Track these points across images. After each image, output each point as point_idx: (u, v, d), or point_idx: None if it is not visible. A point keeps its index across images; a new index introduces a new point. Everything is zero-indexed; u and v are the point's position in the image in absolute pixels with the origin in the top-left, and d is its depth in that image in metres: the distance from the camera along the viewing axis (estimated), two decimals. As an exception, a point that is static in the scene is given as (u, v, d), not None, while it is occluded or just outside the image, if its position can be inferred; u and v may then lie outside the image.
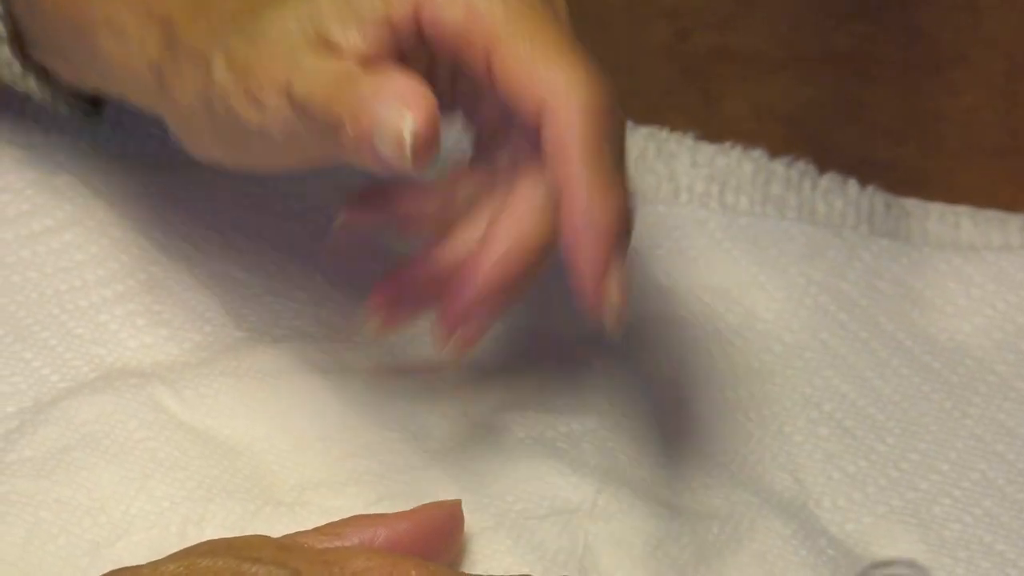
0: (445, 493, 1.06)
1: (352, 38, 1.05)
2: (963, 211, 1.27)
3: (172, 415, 1.10)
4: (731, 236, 1.21)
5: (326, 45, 1.06)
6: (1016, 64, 1.30)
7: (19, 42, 1.18)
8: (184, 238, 1.18)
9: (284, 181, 1.23)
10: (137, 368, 1.12)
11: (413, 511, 1.04)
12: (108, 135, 1.27)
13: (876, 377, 1.17)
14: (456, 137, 1.18)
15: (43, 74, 1.16)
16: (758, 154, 1.26)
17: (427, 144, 0.99)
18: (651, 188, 1.25)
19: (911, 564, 1.01)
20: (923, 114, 1.30)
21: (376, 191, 1.13)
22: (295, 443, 1.10)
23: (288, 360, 1.14)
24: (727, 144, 1.27)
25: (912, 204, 1.27)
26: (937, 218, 1.26)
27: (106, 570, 0.97)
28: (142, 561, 0.99)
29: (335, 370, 1.14)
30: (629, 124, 1.21)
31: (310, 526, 1.03)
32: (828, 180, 1.26)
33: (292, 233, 1.21)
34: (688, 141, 1.26)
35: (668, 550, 1.06)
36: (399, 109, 0.99)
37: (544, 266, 1.07)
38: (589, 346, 1.18)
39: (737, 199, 1.24)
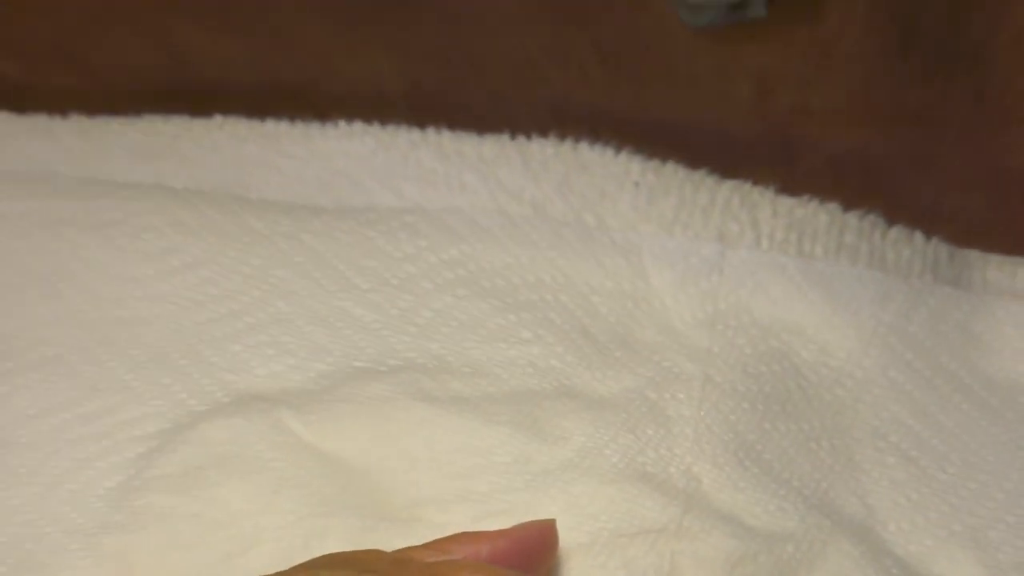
0: (543, 512, 1.11)
1: None
2: (1020, 261, 1.29)
3: (297, 437, 1.15)
4: (808, 280, 1.24)
5: None
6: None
7: None
8: (307, 276, 1.22)
9: (398, 225, 1.27)
10: (266, 394, 1.16)
11: (513, 528, 1.09)
12: (244, 186, 1.31)
13: (939, 412, 1.20)
14: None
15: None
16: (833, 206, 1.28)
17: None
18: (735, 235, 1.28)
19: None
20: (987, 170, 1.33)
21: None
22: (408, 465, 1.15)
23: (402, 389, 1.17)
24: (804, 197, 1.28)
25: (973, 255, 1.29)
26: (996, 267, 1.28)
27: None
28: (270, 571, 1.01)
29: (445, 398, 1.17)
30: (716, 177, 1.29)
31: (420, 541, 1.07)
32: (897, 231, 1.27)
33: (406, 272, 1.24)
34: (769, 193, 1.28)
35: (746, 569, 1.09)
36: None
37: None
38: (675, 381, 1.22)
39: (813, 247, 1.25)
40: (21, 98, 1.32)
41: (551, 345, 1.22)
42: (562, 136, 1.32)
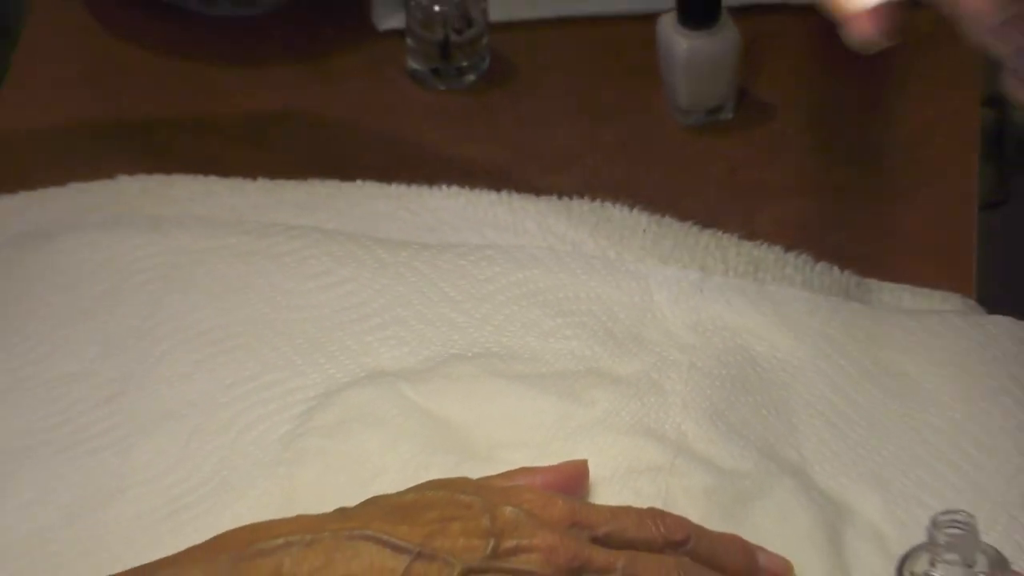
0: (579, 455, 1.11)
1: None
2: (905, 288, 1.31)
3: (411, 401, 1.15)
4: (761, 298, 1.25)
5: None
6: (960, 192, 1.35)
7: None
8: (418, 291, 1.22)
9: (481, 256, 1.27)
10: (389, 371, 1.17)
11: (559, 465, 1.10)
12: (375, 229, 1.30)
13: (851, 390, 1.22)
14: None
15: None
16: (778, 248, 1.30)
17: None
18: (711, 267, 1.30)
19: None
20: (882, 228, 1.35)
21: None
22: (487, 421, 1.15)
23: (483, 369, 1.19)
24: (759, 242, 1.30)
25: (873, 283, 1.31)
26: (888, 292, 1.30)
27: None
28: (391, 491, 1.04)
29: (512, 376, 1.18)
30: (699, 227, 1.31)
31: (495, 473, 1.08)
32: (821, 266, 1.29)
33: (486, 289, 1.25)
34: (735, 239, 1.29)
35: (719, 497, 1.09)
36: None
37: None
38: (670, 367, 1.23)
39: (764, 276, 1.26)
40: (225, 167, 1.32)
41: (585, 340, 1.23)
42: (593, 198, 1.32)
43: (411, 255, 1.26)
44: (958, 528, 0.91)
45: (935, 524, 0.92)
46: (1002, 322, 1.28)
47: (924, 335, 1.26)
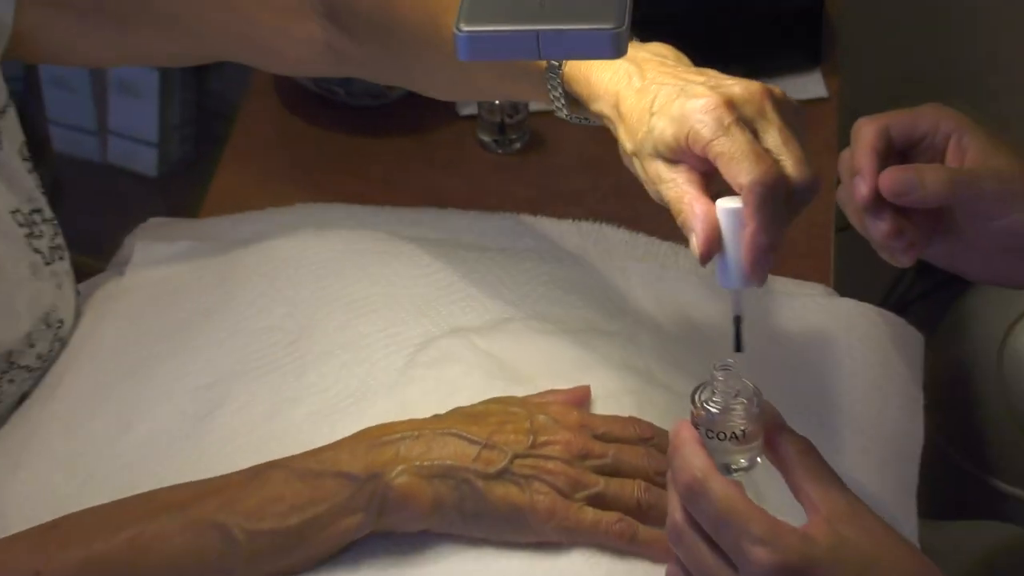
0: (584, 381, 1.08)
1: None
2: (788, 280, 1.27)
3: (479, 347, 1.12)
4: (702, 285, 1.22)
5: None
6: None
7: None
8: (483, 278, 1.20)
9: (524, 256, 1.25)
10: (465, 328, 1.14)
11: (572, 388, 1.08)
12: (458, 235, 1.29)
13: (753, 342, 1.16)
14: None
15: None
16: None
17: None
18: (671, 264, 1.28)
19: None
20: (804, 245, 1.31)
21: None
22: (529, 360, 1.12)
23: (525, 326, 1.16)
24: None
25: (783, 279, 1.26)
26: (781, 284, 1.25)
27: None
28: (465, 404, 1.05)
29: (544, 331, 1.15)
30: (658, 240, 1.30)
31: (532, 393, 1.07)
32: None
33: (526, 276, 1.22)
34: (682, 247, 1.08)
35: (673, 410, 1.05)
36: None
37: None
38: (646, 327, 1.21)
39: (703, 270, 1.13)
40: (364, 200, 1.34)
41: (588, 309, 1.20)
42: (593, 221, 1.31)
43: (479, 254, 1.24)
44: (727, 369, 0.89)
45: (713, 367, 0.89)
46: (850, 302, 1.25)
47: (801, 309, 1.23)
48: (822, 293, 1.26)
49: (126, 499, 0.98)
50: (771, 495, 0.96)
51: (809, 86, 1.39)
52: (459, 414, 1.03)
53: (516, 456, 0.99)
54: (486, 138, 1.40)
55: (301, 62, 1.21)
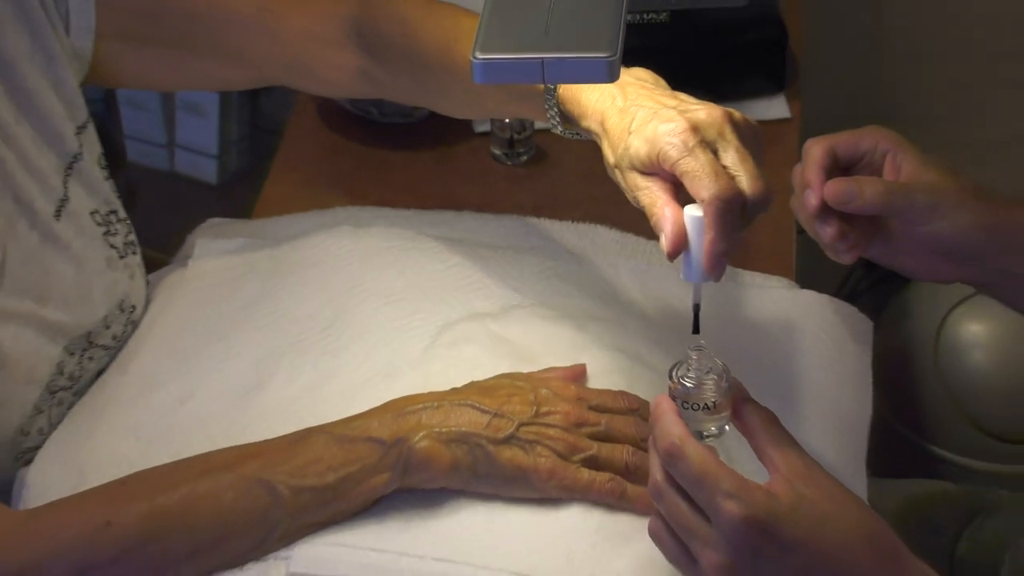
0: (581, 360, 1.08)
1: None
2: (757, 274, 1.25)
3: (492, 331, 1.11)
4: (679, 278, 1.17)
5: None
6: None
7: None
8: (497, 270, 1.19)
9: (530, 252, 1.23)
10: (480, 313, 1.13)
11: (571, 366, 1.07)
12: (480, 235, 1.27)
13: (722, 329, 1.15)
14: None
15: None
16: None
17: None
18: (655, 260, 1.25)
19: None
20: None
21: None
22: (534, 340, 1.11)
23: (532, 312, 1.14)
24: None
25: (737, 270, 1.24)
26: (750, 278, 1.23)
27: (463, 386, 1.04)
28: (482, 377, 1.04)
29: (547, 318, 1.14)
30: (644, 239, 1.27)
31: (536, 370, 1.06)
32: None
33: (531, 270, 1.21)
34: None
35: (658, 385, 1.04)
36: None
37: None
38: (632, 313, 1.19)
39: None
40: (393, 204, 1.32)
41: (584, 299, 1.18)
42: (589, 223, 1.28)
43: (491, 251, 1.22)
44: (700, 349, 0.90)
45: (688, 348, 0.90)
46: (810, 294, 1.22)
47: (768, 300, 1.22)
48: (786, 286, 1.23)
49: (184, 460, 0.98)
50: (739, 458, 0.96)
51: (774, 108, 1.38)
52: (473, 387, 1.03)
53: (522, 424, 0.99)
54: (497, 152, 1.38)
55: (338, 85, 1.20)
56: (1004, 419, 1.65)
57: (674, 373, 0.90)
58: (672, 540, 0.86)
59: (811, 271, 1.25)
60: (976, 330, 1.67)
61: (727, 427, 0.90)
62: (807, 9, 1.51)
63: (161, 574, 0.94)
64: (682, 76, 1.30)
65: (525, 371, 1.06)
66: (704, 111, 0.89)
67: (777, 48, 1.35)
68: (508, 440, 0.98)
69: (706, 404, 0.88)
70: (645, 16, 1.34)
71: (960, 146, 1.70)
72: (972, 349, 1.66)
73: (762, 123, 1.30)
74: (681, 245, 0.88)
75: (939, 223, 0.99)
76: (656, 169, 0.89)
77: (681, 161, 0.86)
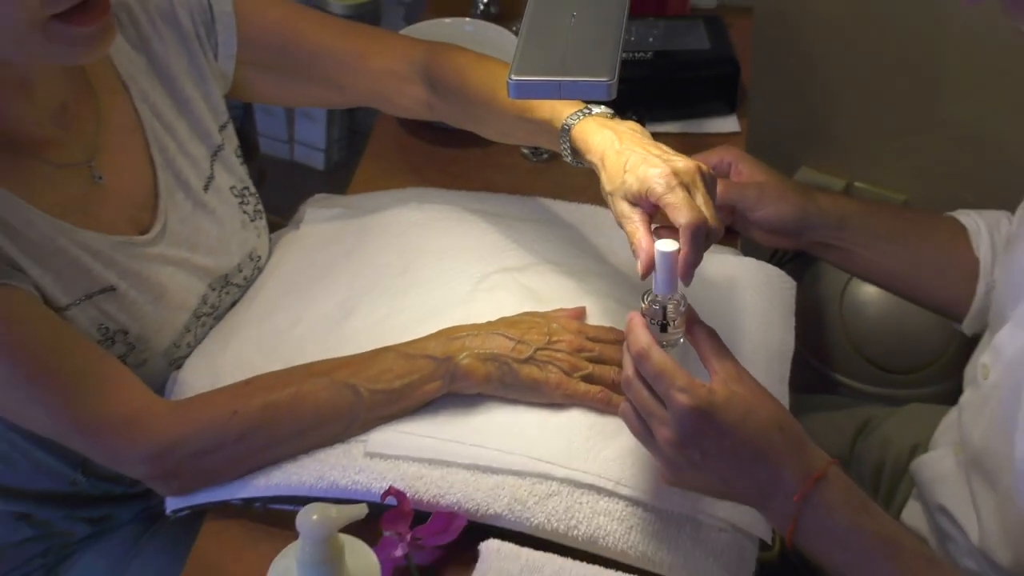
0: (582, 302, 1.05)
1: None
2: (714, 246, 1.16)
3: (519, 281, 1.09)
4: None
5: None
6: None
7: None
8: (524, 235, 1.15)
9: (552, 222, 1.19)
10: (511, 268, 1.10)
11: (575, 308, 1.04)
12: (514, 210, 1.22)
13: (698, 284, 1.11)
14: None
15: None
16: None
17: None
18: None
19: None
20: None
21: None
22: (550, 290, 1.07)
23: (549, 270, 1.11)
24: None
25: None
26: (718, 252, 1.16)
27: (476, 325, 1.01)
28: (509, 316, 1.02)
29: (561, 274, 1.11)
30: None
31: (550, 310, 1.04)
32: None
33: (549, 237, 1.17)
34: None
35: None
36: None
37: None
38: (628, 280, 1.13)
39: None
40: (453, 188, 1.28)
41: (588, 260, 1.15)
42: (593, 205, 1.22)
43: (519, 221, 1.19)
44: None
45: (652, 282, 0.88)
46: (750, 260, 1.16)
47: (719, 264, 1.15)
48: (732, 253, 1.18)
49: (292, 367, 0.98)
50: (688, 364, 0.93)
51: (728, 124, 1.36)
52: (502, 322, 1.01)
53: (538, 349, 0.98)
54: (526, 151, 1.34)
55: (408, 111, 1.18)
56: (886, 355, 1.64)
57: (645, 297, 0.88)
58: (636, 419, 0.85)
59: (751, 246, 1.20)
60: (869, 291, 1.65)
61: (681, 340, 0.88)
62: (753, 53, 1.49)
63: (272, 450, 0.94)
64: (662, 99, 1.31)
65: (541, 311, 1.04)
66: (682, 162, 0.88)
67: (731, 81, 1.33)
68: (527, 360, 0.97)
69: (665, 324, 0.87)
70: (636, 54, 1.32)
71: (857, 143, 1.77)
72: (866, 306, 1.65)
73: (718, 135, 1.32)
74: (649, 270, 0.86)
75: (765, 209, 1.06)
76: (642, 201, 0.88)
77: (665, 196, 0.85)
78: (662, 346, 0.85)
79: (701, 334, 0.87)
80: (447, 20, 1.41)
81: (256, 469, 0.93)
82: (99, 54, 0.88)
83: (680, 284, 0.87)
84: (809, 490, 0.78)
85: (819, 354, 1.66)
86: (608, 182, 0.92)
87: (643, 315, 0.87)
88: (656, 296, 0.87)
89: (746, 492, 0.82)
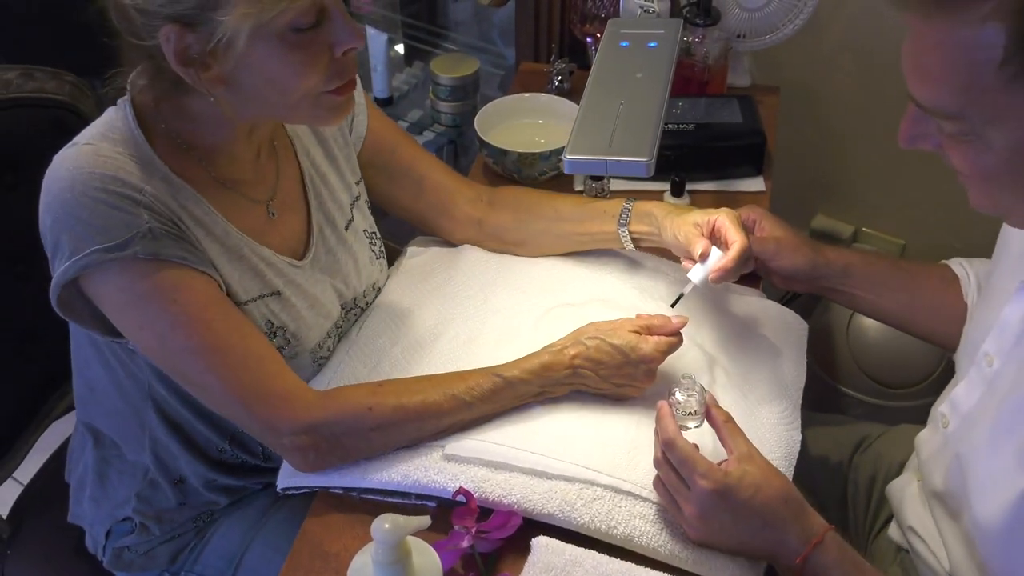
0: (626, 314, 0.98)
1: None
2: (739, 287, 1.10)
3: (574, 309, 1.03)
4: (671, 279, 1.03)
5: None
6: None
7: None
8: (576, 275, 1.08)
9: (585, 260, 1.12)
10: (571, 302, 1.03)
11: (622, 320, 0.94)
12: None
13: (710, 323, 1.04)
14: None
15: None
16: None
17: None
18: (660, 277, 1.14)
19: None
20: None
21: None
22: (597, 314, 0.96)
23: (603, 306, 1.04)
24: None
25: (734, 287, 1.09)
26: (737, 289, 1.10)
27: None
28: (547, 341, 0.94)
29: (609, 308, 1.03)
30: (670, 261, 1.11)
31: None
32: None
33: (587, 271, 1.10)
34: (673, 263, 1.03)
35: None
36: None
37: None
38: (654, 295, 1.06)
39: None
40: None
41: (640, 300, 1.06)
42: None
43: (580, 262, 1.11)
44: (688, 378, 0.88)
45: (681, 376, 0.88)
46: (770, 302, 1.09)
47: (745, 304, 1.08)
48: (757, 295, 1.11)
49: (416, 377, 0.94)
50: (708, 445, 0.87)
51: (755, 184, 1.29)
52: (578, 333, 0.96)
53: (602, 340, 0.94)
54: (583, 189, 1.26)
55: (457, 231, 1.14)
56: (886, 373, 1.56)
57: (671, 392, 0.87)
58: (666, 493, 0.83)
59: (770, 288, 1.13)
60: (872, 321, 1.55)
61: (703, 423, 0.86)
62: (779, 123, 1.42)
63: (396, 443, 0.89)
64: (701, 163, 1.25)
65: (598, 324, 0.96)
66: (733, 213, 0.96)
67: (759, 149, 1.27)
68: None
69: (689, 411, 0.86)
70: (680, 125, 1.27)
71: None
72: (868, 331, 1.57)
73: (746, 193, 1.25)
74: (705, 256, 0.91)
75: (781, 261, 1.01)
76: (706, 230, 0.95)
77: (725, 225, 0.92)
78: (685, 429, 0.84)
79: (719, 419, 0.84)
80: (526, 95, 1.36)
81: (381, 457, 0.89)
82: (345, 118, 0.91)
83: (697, 384, 0.86)
84: (809, 553, 0.77)
85: (828, 371, 1.60)
86: (673, 216, 0.97)
87: (670, 404, 0.85)
88: (680, 388, 0.87)
89: (758, 551, 0.81)
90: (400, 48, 1.88)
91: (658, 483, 0.83)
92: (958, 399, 0.85)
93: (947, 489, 0.85)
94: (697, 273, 0.93)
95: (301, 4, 0.75)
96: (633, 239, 1.04)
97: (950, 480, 0.84)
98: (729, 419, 0.83)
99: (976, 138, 0.65)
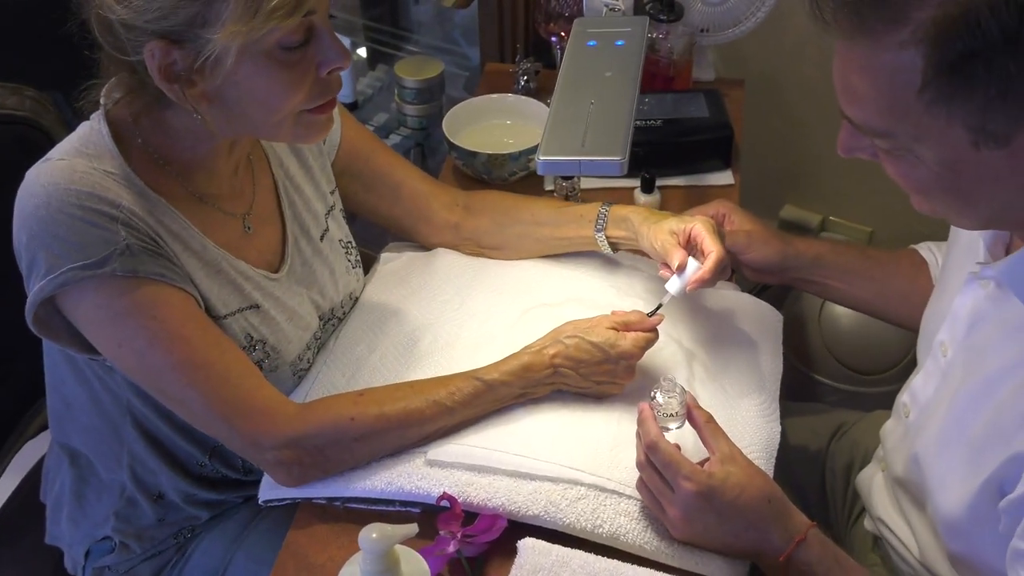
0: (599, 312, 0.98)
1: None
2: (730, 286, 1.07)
3: (551, 309, 1.03)
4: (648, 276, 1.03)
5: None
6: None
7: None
8: (554, 274, 1.08)
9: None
10: (548, 303, 1.04)
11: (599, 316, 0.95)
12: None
13: (693, 316, 1.05)
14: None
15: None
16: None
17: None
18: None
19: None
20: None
21: None
22: (575, 313, 0.97)
23: (574, 305, 1.04)
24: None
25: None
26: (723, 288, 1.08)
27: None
28: (532, 340, 0.94)
29: (587, 306, 1.03)
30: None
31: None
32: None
33: (574, 276, 1.10)
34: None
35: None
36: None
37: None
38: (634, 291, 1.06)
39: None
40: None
41: (617, 299, 1.06)
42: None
43: (555, 263, 1.11)
44: (669, 380, 0.87)
45: (662, 379, 0.87)
46: (745, 295, 1.10)
47: (720, 298, 1.08)
48: (733, 289, 1.12)
49: (395, 384, 0.93)
50: (689, 444, 0.88)
51: (723, 178, 1.29)
52: (556, 332, 0.96)
53: (581, 340, 0.94)
54: (552, 189, 1.26)
55: (433, 236, 1.14)
56: (857, 359, 1.57)
57: (652, 394, 0.87)
58: (650, 495, 0.83)
59: (744, 281, 1.14)
60: (843, 308, 1.56)
61: (684, 424, 0.87)
62: (745, 116, 1.42)
63: (379, 452, 0.89)
64: (670, 158, 1.25)
65: (574, 324, 0.96)
66: (709, 222, 0.96)
67: (726, 143, 1.27)
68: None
69: (671, 413, 0.86)
70: (648, 122, 1.26)
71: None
72: (840, 319, 1.57)
73: (716, 187, 1.26)
74: (683, 267, 0.91)
75: (752, 253, 1.01)
76: (681, 237, 0.94)
77: (702, 235, 0.92)
78: (667, 430, 0.84)
79: (700, 419, 0.84)
80: (494, 96, 1.35)
81: (364, 466, 0.88)
82: (324, 136, 0.90)
83: (678, 386, 0.86)
84: (792, 551, 0.77)
85: (802, 359, 1.61)
86: (650, 223, 0.96)
87: (651, 407, 0.85)
88: (661, 390, 0.87)
89: (742, 551, 0.81)
90: (363, 52, 1.86)
91: (641, 485, 0.83)
92: (917, 389, 0.86)
93: (908, 479, 0.85)
94: (674, 285, 0.93)
95: (290, 23, 0.75)
96: (611, 243, 1.05)
97: (911, 471, 0.84)
98: (710, 419, 0.83)
99: (907, 153, 0.66)
